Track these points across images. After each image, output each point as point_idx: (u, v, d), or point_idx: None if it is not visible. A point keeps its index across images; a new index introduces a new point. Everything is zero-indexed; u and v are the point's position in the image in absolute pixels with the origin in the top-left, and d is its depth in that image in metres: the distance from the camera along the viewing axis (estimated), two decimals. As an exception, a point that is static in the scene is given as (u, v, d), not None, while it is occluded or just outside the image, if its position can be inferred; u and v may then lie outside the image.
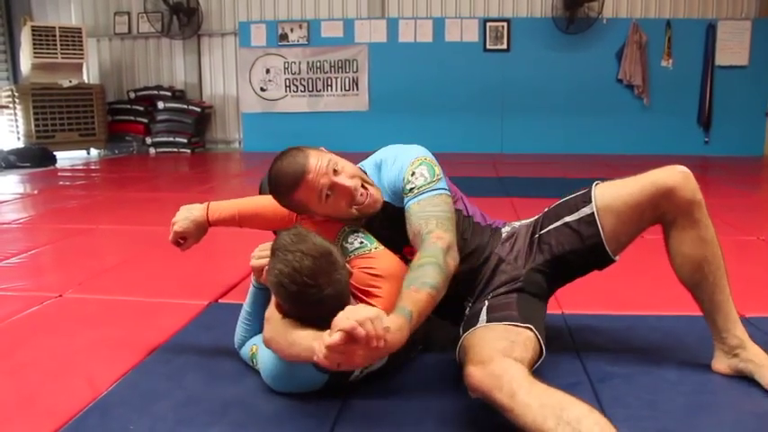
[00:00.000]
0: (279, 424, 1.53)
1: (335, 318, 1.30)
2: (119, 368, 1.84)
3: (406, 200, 1.68)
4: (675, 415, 1.54)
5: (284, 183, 1.68)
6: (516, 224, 1.91)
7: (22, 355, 1.97)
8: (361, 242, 1.69)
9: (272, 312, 1.58)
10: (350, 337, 1.26)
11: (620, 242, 1.75)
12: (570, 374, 1.77)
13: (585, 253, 1.75)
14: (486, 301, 1.73)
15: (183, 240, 1.92)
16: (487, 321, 1.62)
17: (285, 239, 1.49)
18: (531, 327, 1.59)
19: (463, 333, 1.66)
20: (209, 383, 1.75)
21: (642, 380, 1.73)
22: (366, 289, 1.60)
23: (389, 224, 1.77)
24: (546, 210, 1.87)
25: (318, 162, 1.66)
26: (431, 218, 1.61)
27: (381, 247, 1.70)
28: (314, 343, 1.37)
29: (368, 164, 1.86)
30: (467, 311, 1.79)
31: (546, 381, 1.61)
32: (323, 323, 1.44)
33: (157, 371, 1.84)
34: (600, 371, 1.78)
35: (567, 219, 1.77)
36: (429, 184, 1.67)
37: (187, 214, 1.90)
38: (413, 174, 1.68)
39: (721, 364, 1.74)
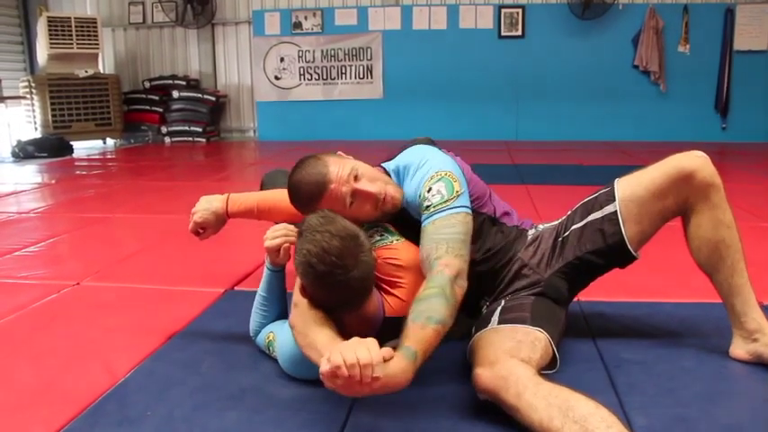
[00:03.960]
0: (295, 410, 1.53)
1: (334, 348, 1.28)
2: (136, 355, 1.85)
3: (422, 217, 1.62)
4: (692, 402, 1.53)
5: (306, 194, 1.66)
6: (541, 227, 1.90)
7: (41, 342, 1.99)
8: (382, 234, 1.69)
9: (298, 298, 1.56)
10: (332, 371, 1.24)
11: (644, 234, 1.74)
12: (586, 361, 1.76)
13: (608, 252, 1.75)
14: (503, 301, 1.75)
15: (202, 230, 1.94)
16: (498, 323, 1.64)
17: (313, 221, 1.48)
18: (541, 329, 1.59)
19: (475, 333, 1.67)
20: (225, 370, 1.76)
21: (658, 367, 1.72)
22: (390, 279, 1.60)
23: (407, 229, 1.76)
24: (569, 212, 1.86)
25: (339, 170, 1.64)
26: (441, 241, 1.54)
27: (402, 239, 1.70)
28: (322, 356, 1.32)
29: (392, 166, 1.82)
30: (483, 310, 1.80)
31: (562, 366, 1.62)
32: (347, 308, 1.50)
33: (174, 358, 1.85)
34: (616, 357, 1.77)
35: (591, 218, 1.77)
36: (445, 202, 1.59)
37: (207, 205, 1.91)
38: (429, 190, 1.61)
39: (739, 349, 1.73)
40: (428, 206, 1.60)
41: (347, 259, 1.43)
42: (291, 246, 1.74)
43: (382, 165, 1.83)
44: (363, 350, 1.25)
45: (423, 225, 1.61)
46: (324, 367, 1.25)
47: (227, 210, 1.91)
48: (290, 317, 1.58)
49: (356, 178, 1.65)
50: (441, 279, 1.47)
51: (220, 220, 1.93)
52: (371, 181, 1.66)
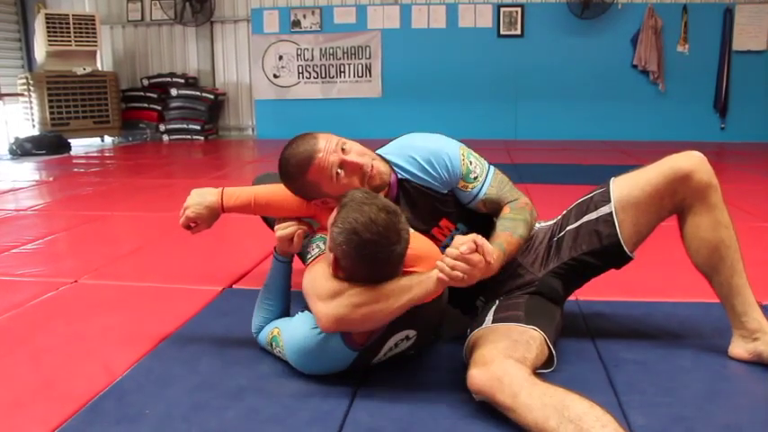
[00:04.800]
0: (294, 408, 1.53)
1: (454, 241, 1.45)
2: (134, 353, 1.85)
3: (476, 186, 1.79)
4: (691, 401, 1.53)
5: (295, 164, 1.68)
6: (536, 226, 1.91)
7: (39, 339, 1.98)
8: None
9: (330, 286, 1.52)
10: (474, 248, 1.42)
11: (640, 234, 1.75)
12: (584, 360, 1.76)
13: (603, 253, 1.75)
14: (497, 301, 1.75)
15: (194, 224, 1.89)
16: (493, 322, 1.65)
17: (357, 195, 1.50)
18: (536, 327, 1.59)
19: (470, 332, 1.67)
20: (223, 368, 1.76)
21: (657, 366, 1.72)
22: (406, 269, 1.58)
23: (413, 205, 1.80)
24: (565, 212, 1.87)
25: (327, 143, 1.68)
26: (512, 191, 1.81)
27: (411, 229, 1.70)
28: (435, 269, 1.46)
29: (387, 149, 1.85)
30: (479, 309, 1.80)
31: (561, 366, 1.62)
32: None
33: (172, 356, 1.85)
34: (615, 357, 1.77)
35: (586, 219, 1.78)
36: (484, 168, 1.82)
37: (200, 199, 1.86)
38: (471, 163, 1.80)
39: (739, 348, 1.72)
40: (476, 177, 1.79)
41: (392, 233, 1.45)
42: (303, 234, 1.79)
43: (377, 152, 1.83)
44: (478, 237, 1.46)
45: (482, 191, 1.79)
46: (463, 247, 1.42)
47: (222, 204, 1.86)
48: (331, 310, 1.51)
49: (344, 151, 1.68)
50: (523, 211, 1.76)
51: (214, 215, 1.88)
52: (359, 155, 1.70)
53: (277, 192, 1.85)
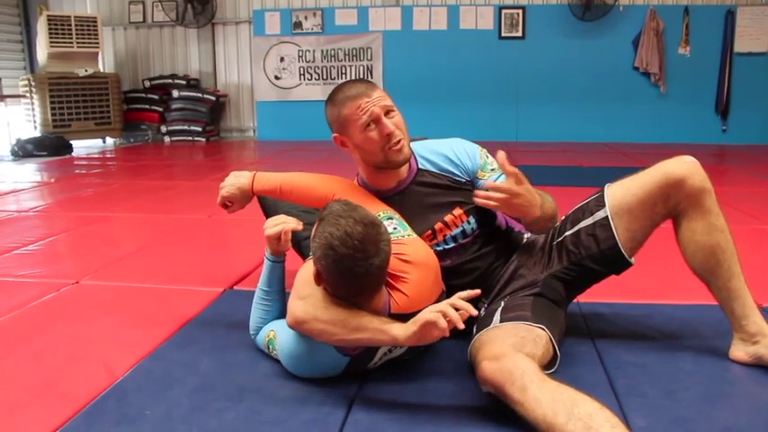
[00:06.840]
0: (294, 409, 1.53)
1: (441, 307, 1.41)
2: (135, 354, 1.85)
3: (493, 177, 1.87)
4: (692, 404, 1.53)
5: (345, 92, 1.78)
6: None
7: (40, 340, 1.99)
8: (395, 228, 1.71)
9: (311, 290, 1.54)
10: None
11: (635, 240, 1.76)
12: (585, 363, 1.76)
13: (602, 257, 1.77)
14: (502, 302, 1.76)
15: (229, 203, 2.01)
16: (500, 322, 1.65)
17: (335, 207, 1.50)
18: (543, 326, 1.60)
19: (476, 333, 1.67)
20: (224, 369, 1.76)
21: (658, 369, 1.72)
22: (395, 274, 1.59)
23: (429, 192, 1.86)
24: (563, 217, 1.89)
25: (380, 97, 1.77)
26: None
27: (414, 235, 1.73)
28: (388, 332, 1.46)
29: (414, 145, 1.92)
30: (481, 312, 1.80)
31: (561, 368, 1.62)
32: (360, 299, 1.51)
33: (173, 357, 1.85)
34: (615, 359, 1.77)
35: (583, 224, 1.80)
36: (499, 167, 1.87)
37: (234, 181, 1.98)
38: (488, 157, 1.92)
39: (740, 351, 1.72)
40: (493, 169, 1.89)
41: (369, 246, 1.44)
42: (290, 231, 1.79)
43: None
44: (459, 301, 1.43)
45: (501, 179, 1.85)
46: (453, 313, 1.39)
47: (252, 187, 1.97)
48: (299, 311, 1.54)
49: (387, 114, 1.76)
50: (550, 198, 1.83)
51: (246, 196, 2.00)
52: (396, 126, 1.77)
53: (303, 181, 1.95)
